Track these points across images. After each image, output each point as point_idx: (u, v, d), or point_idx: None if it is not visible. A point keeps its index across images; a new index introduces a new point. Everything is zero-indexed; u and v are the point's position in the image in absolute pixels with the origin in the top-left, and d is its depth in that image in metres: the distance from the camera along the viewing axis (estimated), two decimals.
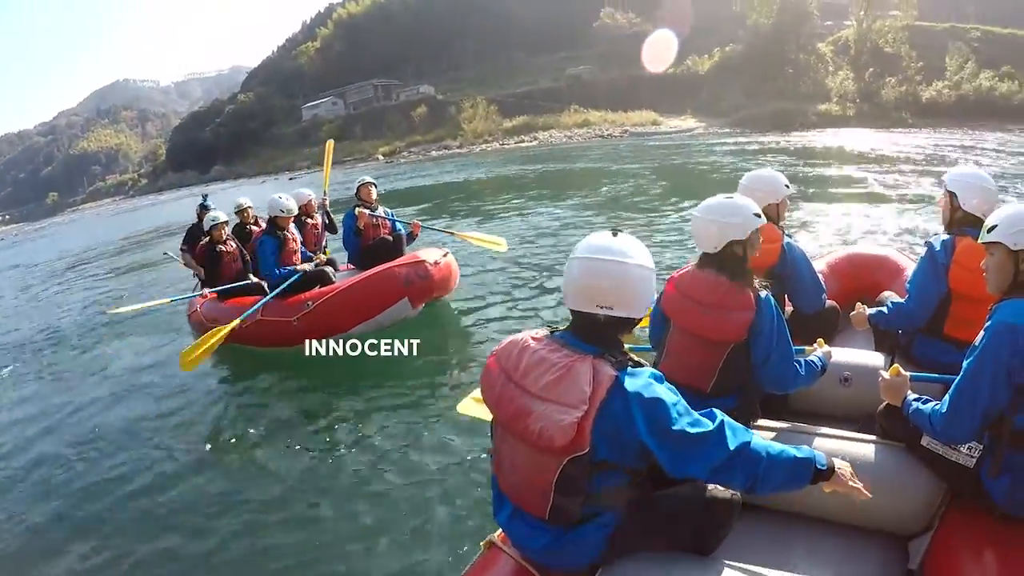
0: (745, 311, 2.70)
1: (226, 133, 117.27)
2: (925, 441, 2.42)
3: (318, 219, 8.13)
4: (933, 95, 54.98)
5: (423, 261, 6.67)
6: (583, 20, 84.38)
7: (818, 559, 2.45)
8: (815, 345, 3.10)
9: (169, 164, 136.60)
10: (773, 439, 2.46)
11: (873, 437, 2.66)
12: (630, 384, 1.84)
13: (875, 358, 3.35)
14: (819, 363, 2.94)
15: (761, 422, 2.85)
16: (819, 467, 1.94)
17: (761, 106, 51.50)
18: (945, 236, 3.22)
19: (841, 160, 23.26)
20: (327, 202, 8.32)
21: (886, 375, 2.56)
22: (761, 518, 2.62)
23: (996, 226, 2.29)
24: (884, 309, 3.35)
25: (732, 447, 1.85)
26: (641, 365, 1.95)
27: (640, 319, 2.03)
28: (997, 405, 2.15)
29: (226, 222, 7.40)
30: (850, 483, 1.98)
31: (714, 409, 1.95)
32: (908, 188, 14.65)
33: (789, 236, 3.74)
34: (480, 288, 8.36)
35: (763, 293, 2.74)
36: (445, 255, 7.02)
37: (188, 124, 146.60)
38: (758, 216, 2.86)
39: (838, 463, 2.01)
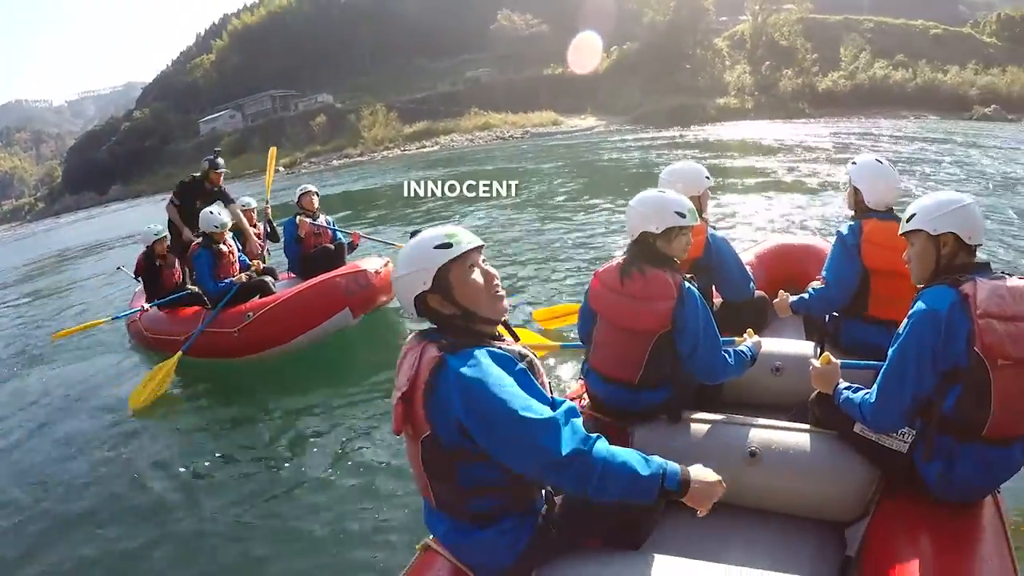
0: (666, 300, 2.70)
1: (123, 152, 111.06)
2: (858, 428, 2.43)
3: (260, 227, 8.27)
4: (829, 85, 57.47)
5: (364, 270, 6.68)
6: (480, 23, 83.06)
7: (754, 549, 2.47)
8: (744, 336, 3.08)
9: (66, 186, 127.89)
10: (705, 431, 2.62)
11: (807, 425, 2.65)
12: (454, 363, 1.77)
13: (805, 347, 3.41)
14: (748, 353, 2.93)
15: (693, 414, 2.83)
16: (668, 487, 1.79)
17: (659, 102, 52.73)
18: (852, 221, 3.33)
19: (744, 151, 24.18)
20: (269, 210, 8.42)
21: (817, 364, 2.60)
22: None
23: (915, 215, 2.39)
24: (805, 295, 3.42)
25: (564, 450, 1.68)
26: (484, 344, 1.86)
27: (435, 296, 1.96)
28: (924, 391, 2.20)
29: (167, 236, 7.25)
30: (711, 499, 1.85)
31: (570, 405, 1.80)
32: (812, 176, 15.36)
33: (713, 227, 3.77)
34: None
35: (686, 283, 2.73)
36: (386, 264, 7.03)
37: (83, 144, 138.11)
38: (680, 215, 2.87)
39: (701, 477, 1.85)
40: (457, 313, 1.95)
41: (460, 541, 2.00)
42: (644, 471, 1.77)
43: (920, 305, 2.20)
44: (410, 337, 1.99)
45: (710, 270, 3.61)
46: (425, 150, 56.13)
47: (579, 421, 1.78)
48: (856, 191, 3.38)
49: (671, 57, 59.06)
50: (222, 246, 6.76)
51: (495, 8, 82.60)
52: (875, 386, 2.28)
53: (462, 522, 1.97)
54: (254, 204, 8.28)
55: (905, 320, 2.23)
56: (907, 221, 2.40)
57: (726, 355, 2.81)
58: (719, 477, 1.88)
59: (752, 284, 3.73)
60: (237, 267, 6.95)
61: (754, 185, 14.09)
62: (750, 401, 3.27)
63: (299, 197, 7.62)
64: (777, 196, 12.45)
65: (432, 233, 1.98)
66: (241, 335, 6.20)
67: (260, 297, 6.62)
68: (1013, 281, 2.21)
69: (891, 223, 2.99)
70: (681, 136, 36.11)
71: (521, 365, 1.85)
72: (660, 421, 2.83)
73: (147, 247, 7.15)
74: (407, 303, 1.98)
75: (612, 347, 2.90)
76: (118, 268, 11.16)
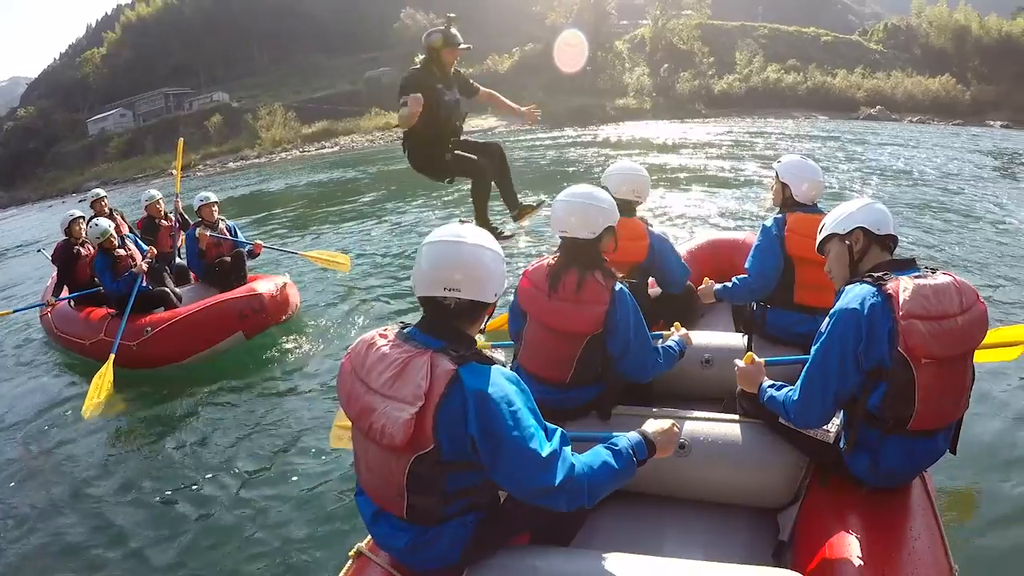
0: (599, 304, 2.70)
1: (4, 155, 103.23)
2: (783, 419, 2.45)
3: (172, 219, 8.26)
4: (725, 87, 59.65)
5: (259, 294, 6.77)
6: (383, 21, 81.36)
7: (688, 538, 2.51)
8: (672, 330, 3.15)
9: None
10: (636, 425, 2.46)
11: (736, 416, 2.69)
12: (470, 379, 1.79)
13: (734, 339, 3.53)
14: (676, 347, 3.01)
15: (623, 409, 2.88)
16: (639, 458, 1.95)
17: (561, 103, 52.45)
18: (778, 215, 3.51)
19: (645, 149, 25.16)
20: (180, 203, 8.38)
21: (741, 364, 2.64)
22: (630, 502, 2.65)
23: (823, 226, 2.52)
24: (729, 284, 3.57)
25: (557, 481, 1.76)
26: (492, 362, 1.89)
27: (489, 307, 2.01)
28: (847, 389, 2.23)
29: (83, 217, 7.39)
30: (674, 442, 2.07)
31: (561, 432, 1.89)
32: (711, 171, 16.56)
33: (650, 225, 3.85)
34: (326, 303, 8.30)
35: (618, 286, 2.74)
36: (283, 286, 7.11)
37: None
38: (609, 227, 2.90)
39: (658, 430, 2.04)
40: (475, 331, 2.02)
41: (404, 541, 1.97)
42: (619, 463, 1.90)
43: (841, 304, 2.22)
44: (393, 338, 1.97)
45: (652, 270, 3.79)
46: (325, 151, 54.43)
47: (568, 448, 1.86)
48: (784, 187, 3.55)
49: None
50: (116, 252, 6.76)
51: (398, 7, 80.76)
52: (798, 384, 2.31)
53: (415, 525, 1.94)
54: (158, 195, 8.34)
55: (827, 319, 2.25)
56: (820, 235, 2.54)
57: (656, 352, 2.87)
58: (671, 422, 2.08)
59: (689, 274, 3.93)
60: (138, 257, 6.91)
61: (658, 180, 14.65)
62: (681, 393, 3.37)
63: (199, 208, 7.49)
64: (679, 191, 13.17)
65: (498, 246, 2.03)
66: (139, 349, 6.30)
67: (165, 310, 6.79)
68: (937, 278, 2.21)
69: (816, 215, 3.12)
70: (583, 135, 36.82)
71: (523, 384, 1.89)
72: (591, 417, 2.87)
73: (65, 231, 7.28)
74: (495, 288, 1.99)
75: (542, 347, 2.92)
76: (38, 251, 11.78)
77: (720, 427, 2.63)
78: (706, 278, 3.75)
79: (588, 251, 2.84)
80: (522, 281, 3.00)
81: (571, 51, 57.98)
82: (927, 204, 11.75)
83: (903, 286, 2.15)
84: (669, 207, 11.70)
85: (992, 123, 47.49)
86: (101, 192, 8.50)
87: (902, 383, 2.13)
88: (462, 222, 2.02)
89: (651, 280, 3.97)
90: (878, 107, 54.05)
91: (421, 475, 1.83)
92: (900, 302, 2.11)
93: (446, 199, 14.89)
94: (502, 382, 1.81)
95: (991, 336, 3.07)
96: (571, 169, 20.56)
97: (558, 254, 2.92)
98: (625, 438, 1.96)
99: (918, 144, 25.28)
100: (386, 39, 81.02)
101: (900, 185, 14.27)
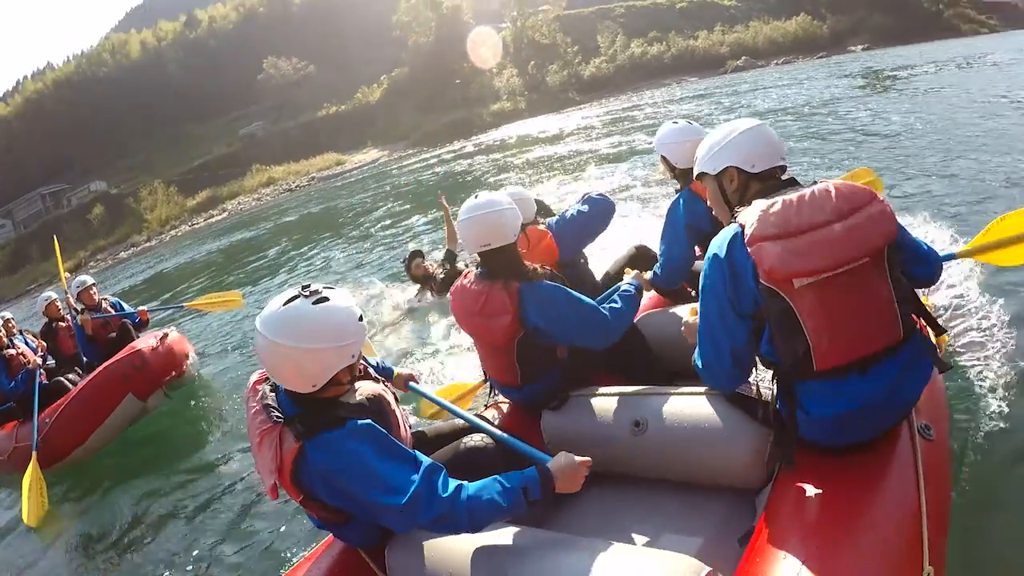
0: (503, 315, 2.69)
1: None
2: None
3: (69, 319, 7.86)
4: (593, 71, 61.12)
5: (139, 350, 6.54)
6: (246, 76, 79.55)
7: (660, 521, 2.42)
8: (625, 275, 3.12)
9: None
10: (597, 407, 2.63)
11: (700, 389, 2.46)
12: (315, 455, 1.84)
13: (683, 310, 3.21)
14: (633, 288, 2.93)
15: (588, 391, 2.78)
16: (533, 499, 1.91)
17: (437, 120, 53.47)
18: (678, 191, 3.42)
19: (525, 145, 25.58)
20: (71, 299, 7.75)
21: (689, 319, 2.53)
22: (602, 484, 2.57)
23: (696, 160, 2.33)
24: (657, 270, 3.43)
25: (428, 518, 1.82)
26: (346, 420, 1.89)
27: (339, 374, 1.99)
28: (742, 343, 2.02)
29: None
30: (578, 480, 1.99)
31: (428, 464, 1.90)
32: (601, 151, 17.08)
33: (542, 221, 3.75)
34: (233, 347, 8.11)
35: (525, 286, 2.68)
36: (164, 336, 6.91)
37: None
38: (523, 224, 2.90)
39: (562, 466, 1.98)
40: (344, 388, 2.05)
41: (337, 530, 2.15)
42: (506, 501, 1.87)
43: (708, 253, 2.04)
44: (258, 400, 2.01)
45: (574, 260, 3.72)
46: (214, 219, 52.89)
47: (440, 477, 1.87)
48: (664, 159, 3.46)
49: (441, 74, 59.90)
50: (6, 351, 6.66)
51: (257, 58, 79.60)
52: (696, 347, 2.17)
53: (342, 523, 2.09)
54: (55, 296, 7.95)
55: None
56: (696, 166, 2.33)
57: (613, 307, 2.77)
58: (582, 459, 2.01)
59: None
60: (29, 354, 6.83)
61: (550, 171, 15.48)
62: (672, 368, 3.12)
63: (78, 295, 7.39)
64: (573, 177, 13.71)
65: (347, 302, 1.98)
66: (44, 445, 6.05)
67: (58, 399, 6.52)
68: (808, 189, 1.93)
69: None
70: (465, 147, 37.08)
71: (376, 427, 1.90)
72: (563, 402, 2.80)
73: None
74: (311, 379, 1.92)
75: (486, 358, 3.05)
76: None
77: (677, 401, 2.46)
78: (627, 269, 3.48)
79: (510, 254, 2.79)
80: (451, 299, 3.02)
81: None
82: (810, 133, 12.52)
83: (751, 211, 1.93)
84: (569, 193, 11.74)
85: (853, 48, 50.70)
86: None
87: (780, 317, 1.87)
88: (304, 288, 1.92)
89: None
90: (744, 58, 56.83)
91: (316, 509, 2.00)
92: (746, 229, 1.89)
93: (351, 235, 15.39)
94: (349, 447, 1.83)
95: (997, 229, 2.53)
96: (462, 180, 20.74)
97: (476, 269, 2.90)
98: (520, 476, 1.93)
99: (789, 84, 26.75)
100: (253, 93, 79.71)
101: (781, 120, 15.12)
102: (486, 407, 3.24)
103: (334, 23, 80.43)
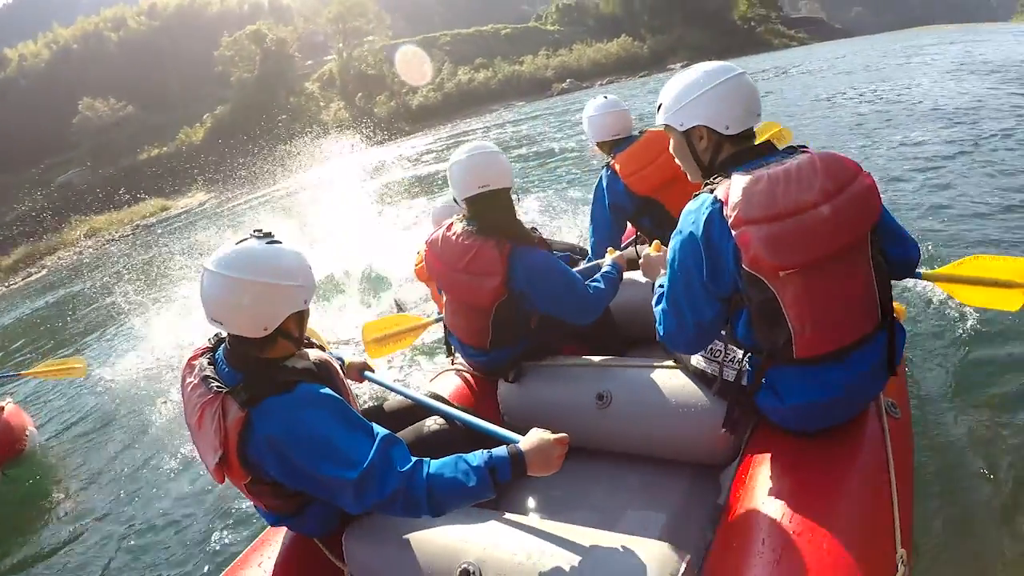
0: (493, 276, 2.55)
1: None
2: (694, 360, 2.21)
3: None
4: (422, 100, 62.44)
5: None
6: (60, 119, 73.81)
7: (625, 497, 2.36)
8: (607, 255, 2.97)
9: None
10: (560, 377, 2.61)
11: (670, 362, 2.39)
12: (261, 423, 1.71)
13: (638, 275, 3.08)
14: (613, 271, 2.82)
15: (556, 360, 2.75)
16: (501, 480, 1.70)
17: (264, 158, 51.40)
18: (604, 166, 3.36)
19: (360, 178, 24.88)
20: None
21: (651, 252, 2.37)
22: (573, 456, 2.22)
23: (661, 104, 2.01)
24: (590, 252, 3.51)
25: (385, 492, 1.66)
26: (295, 384, 1.77)
27: (293, 320, 1.88)
28: (709, 320, 1.87)
29: None
30: (553, 462, 1.75)
31: (384, 434, 1.74)
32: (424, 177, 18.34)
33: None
34: (81, 416, 7.56)
35: (517, 249, 2.54)
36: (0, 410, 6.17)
37: None
38: (511, 179, 2.72)
39: (535, 445, 1.74)
40: (293, 345, 1.93)
41: (290, 522, 2.04)
42: (471, 482, 1.68)
43: (677, 229, 1.86)
44: (196, 374, 1.88)
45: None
46: (32, 278, 48.84)
47: (399, 450, 1.73)
48: (592, 139, 3.49)
49: (266, 110, 58.98)
50: None
51: (72, 100, 74.31)
52: (660, 308, 1.98)
53: (294, 514, 2.00)
54: None
55: (672, 240, 1.90)
56: (658, 110, 2.01)
57: (595, 286, 2.71)
58: (558, 435, 1.77)
59: None
60: None
61: (386, 200, 15.52)
62: (647, 337, 2.89)
63: None
64: (388, 206, 13.80)
65: (299, 249, 1.91)
66: None
67: None
68: (790, 161, 1.78)
69: (635, 142, 3.21)
70: (291, 185, 36.00)
71: (330, 392, 1.78)
72: (525, 371, 2.75)
73: None
74: (263, 320, 1.80)
75: (458, 317, 2.86)
76: None
77: (640, 374, 2.40)
78: (610, 250, 3.10)
79: (505, 201, 2.66)
80: (426, 252, 2.85)
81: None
82: None
83: (734, 186, 1.74)
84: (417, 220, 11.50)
85: (673, 66, 54.50)
86: None
87: (762, 305, 1.77)
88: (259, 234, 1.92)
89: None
90: (568, 80, 60.00)
91: (259, 492, 1.88)
92: (729, 208, 1.72)
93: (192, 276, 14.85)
94: (299, 413, 1.71)
95: (970, 267, 2.24)
96: (302, 210, 20.06)
97: (463, 219, 2.71)
98: (487, 454, 1.72)
99: None
100: (69, 137, 74.19)
101: None
102: (444, 371, 3.10)
103: (154, 60, 77.00)
